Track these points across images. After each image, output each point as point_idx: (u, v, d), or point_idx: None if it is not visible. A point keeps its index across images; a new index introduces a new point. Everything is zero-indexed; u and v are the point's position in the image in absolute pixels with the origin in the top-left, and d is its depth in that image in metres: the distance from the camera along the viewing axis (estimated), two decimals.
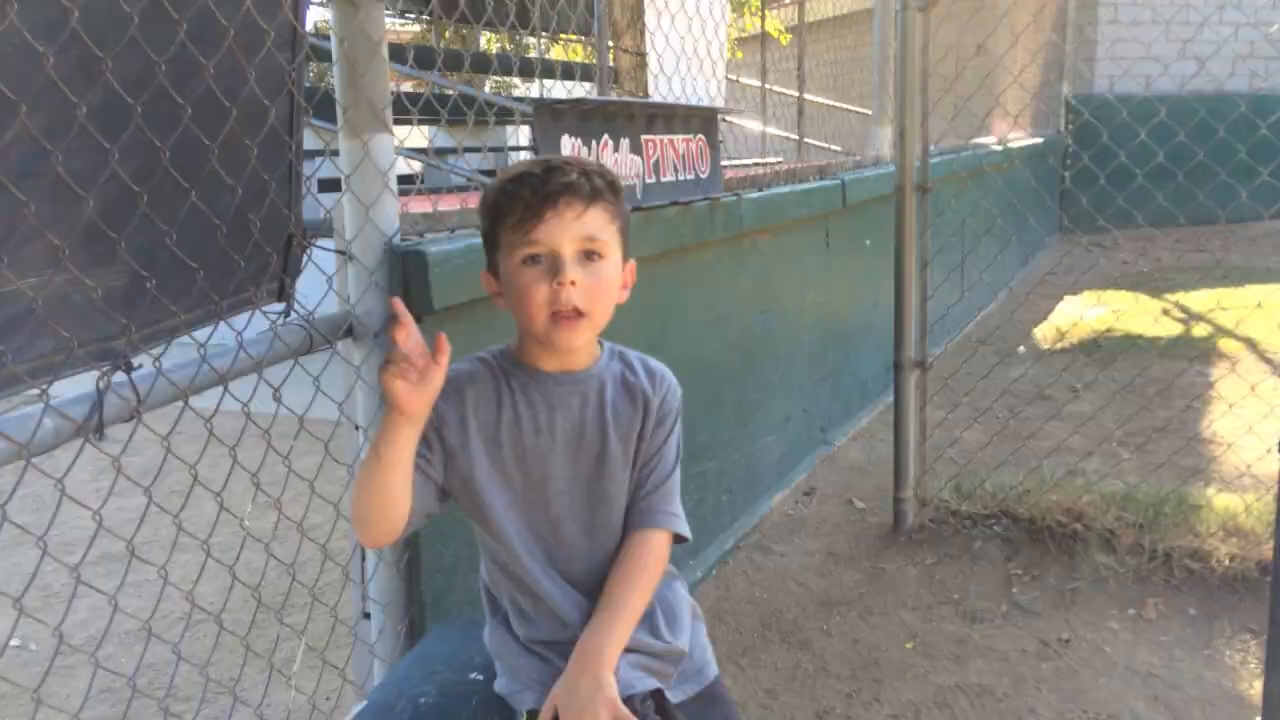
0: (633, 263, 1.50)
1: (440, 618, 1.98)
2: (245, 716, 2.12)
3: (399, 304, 1.30)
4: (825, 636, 2.80)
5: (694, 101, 3.76)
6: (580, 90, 6.63)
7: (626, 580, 1.45)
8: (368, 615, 1.99)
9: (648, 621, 1.50)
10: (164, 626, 2.84)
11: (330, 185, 2.11)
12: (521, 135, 6.81)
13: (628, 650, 1.43)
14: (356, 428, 1.94)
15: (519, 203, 1.39)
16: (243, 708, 2.04)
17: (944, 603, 2.94)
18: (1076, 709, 2.42)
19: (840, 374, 4.38)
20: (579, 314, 1.39)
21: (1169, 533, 2.98)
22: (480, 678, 1.60)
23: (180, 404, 1.46)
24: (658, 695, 1.42)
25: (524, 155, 5.67)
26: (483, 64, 6.97)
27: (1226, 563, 2.87)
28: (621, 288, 1.47)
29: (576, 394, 1.49)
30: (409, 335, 1.28)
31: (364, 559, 1.97)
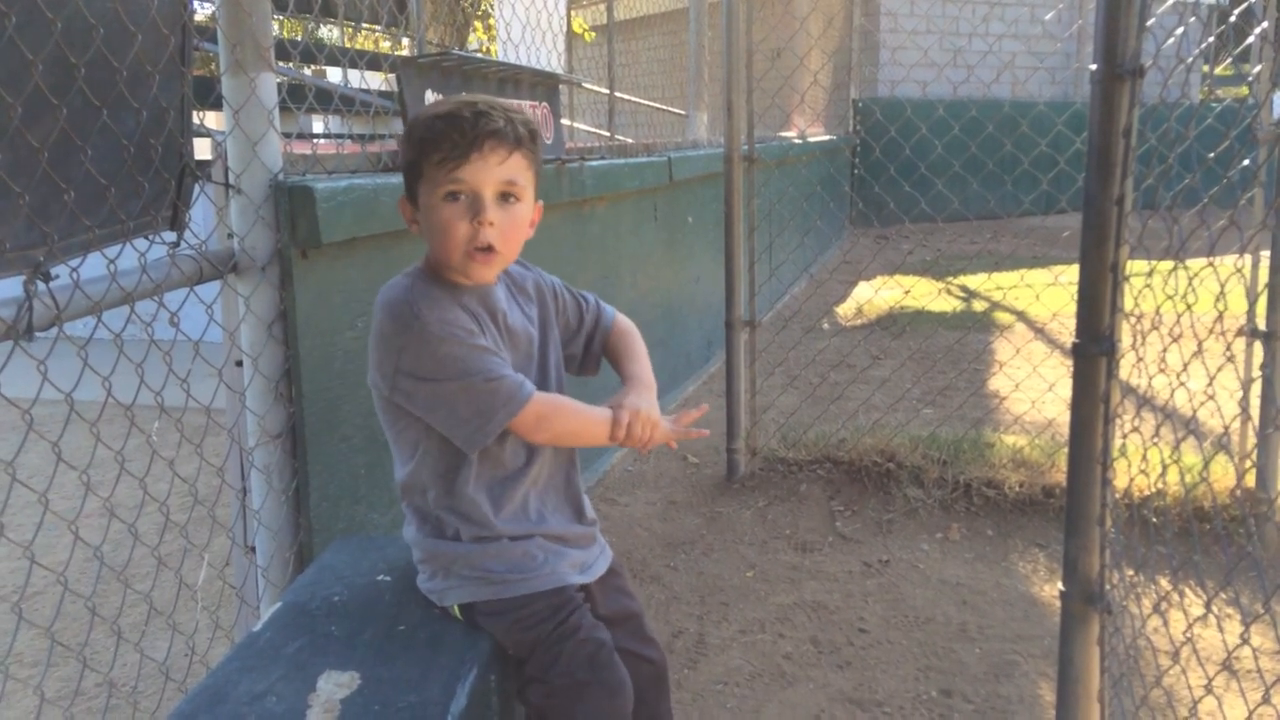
0: (540, 203, 1.64)
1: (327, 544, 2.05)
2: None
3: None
4: (672, 571, 3.01)
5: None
6: (376, 81, 6.68)
7: (635, 352, 1.78)
8: (253, 548, 2.03)
9: (571, 509, 1.68)
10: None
11: None
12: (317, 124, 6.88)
13: (565, 546, 1.60)
14: (238, 364, 1.98)
15: (447, 142, 1.48)
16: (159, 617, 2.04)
17: (777, 537, 3.21)
18: (899, 614, 2.72)
19: (669, 343, 4.61)
20: (493, 250, 1.52)
21: (967, 467, 3.36)
22: (389, 579, 1.70)
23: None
24: (585, 588, 1.61)
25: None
26: (282, 52, 6.87)
27: (1016, 489, 3.26)
28: (529, 225, 1.62)
29: (495, 301, 1.64)
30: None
31: (246, 492, 2.01)
